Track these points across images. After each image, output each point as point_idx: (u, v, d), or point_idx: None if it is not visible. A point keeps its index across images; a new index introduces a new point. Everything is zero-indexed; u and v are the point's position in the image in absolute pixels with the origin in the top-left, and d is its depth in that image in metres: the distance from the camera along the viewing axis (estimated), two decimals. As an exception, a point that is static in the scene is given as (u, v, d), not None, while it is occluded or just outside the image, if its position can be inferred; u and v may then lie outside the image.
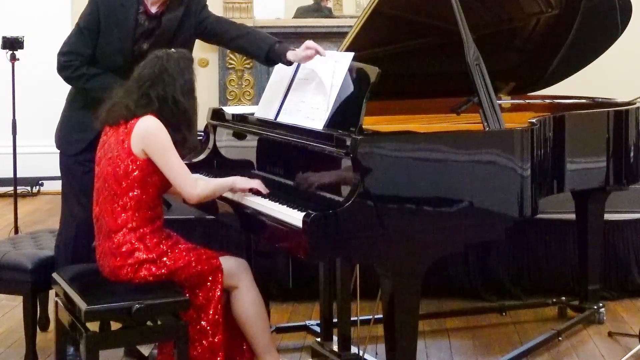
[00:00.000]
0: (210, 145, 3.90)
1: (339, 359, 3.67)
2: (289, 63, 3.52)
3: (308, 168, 3.22)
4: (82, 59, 3.59)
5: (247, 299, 3.34)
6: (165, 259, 3.22)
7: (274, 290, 4.47)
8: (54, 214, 6.13)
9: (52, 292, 3.59)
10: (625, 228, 4.65)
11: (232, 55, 7.24)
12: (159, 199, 3.31)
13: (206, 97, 5.96)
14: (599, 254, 4.37)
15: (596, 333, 4.20)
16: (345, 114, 3.18)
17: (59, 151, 3.75)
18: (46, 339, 3.98)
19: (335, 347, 3.75)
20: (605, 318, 4.31)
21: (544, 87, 4.53)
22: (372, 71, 3.18)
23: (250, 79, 7.36)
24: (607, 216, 4.46)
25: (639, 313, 4.47)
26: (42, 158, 6.70)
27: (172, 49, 3.35)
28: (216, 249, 3.44)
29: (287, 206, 3.05)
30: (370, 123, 3.52)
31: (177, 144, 3.22)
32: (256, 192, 3.28)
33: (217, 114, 3.91)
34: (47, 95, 6.14)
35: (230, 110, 3.91)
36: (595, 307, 4.31)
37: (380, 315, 3.14)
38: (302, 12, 8.27)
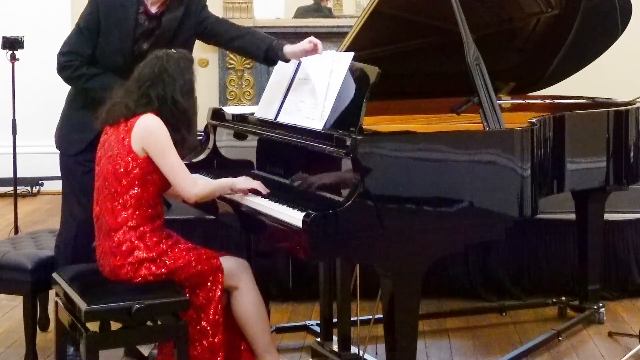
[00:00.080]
0: (210, 145, 3.90)
1: (339, 359, 3.67)
2: (287, 59, 3.52)
3: (308, 168, 3.22)
4: (82, 59, 3.59)
5: (248, 299, 3.34)
6: (165, 258, 3.22)
7: (274, 290, 4.47)
8: (54, 214, 6.14)
9: (52, 292, 3.59)
10: (625, 228, 4.65)
11: (232, 55, 7.22)
12: (159, 198, 3.31)
13: (206, 97, 5.97)
14: (599, 254, 4.37)
15: (596, 333, 4.20)
16: (345, 114, 3.18)
17: (59, 151, 3.75)
18: (46, 339, 3.97)
19: (335, 347, 3.75)
20: (605, 318, 4.31)
21: (544, 87, 4.54)
22: (372, 71, 3.18)
23: (250, 79, 7.35)
24: (607, 216, 4.45)
25: (639, 313, 4.47)
26: (42, 158, 6.69)
27: (172, 49, 3.36)
28: (216, 249, 3.44)
29: (287, 206, 3.04)
30: (370, 123, 3.52)
31: (176, 144, 3.22)
32: (256, 192, 3.28)
33: (217, 114, 3.91)
34: (47, 95, 6.13)
35: (230, 110, 3.90)
36: (595, 307, 4.31)
37: (380, 315, 3.13)
38: (302, 12, 8.28)
